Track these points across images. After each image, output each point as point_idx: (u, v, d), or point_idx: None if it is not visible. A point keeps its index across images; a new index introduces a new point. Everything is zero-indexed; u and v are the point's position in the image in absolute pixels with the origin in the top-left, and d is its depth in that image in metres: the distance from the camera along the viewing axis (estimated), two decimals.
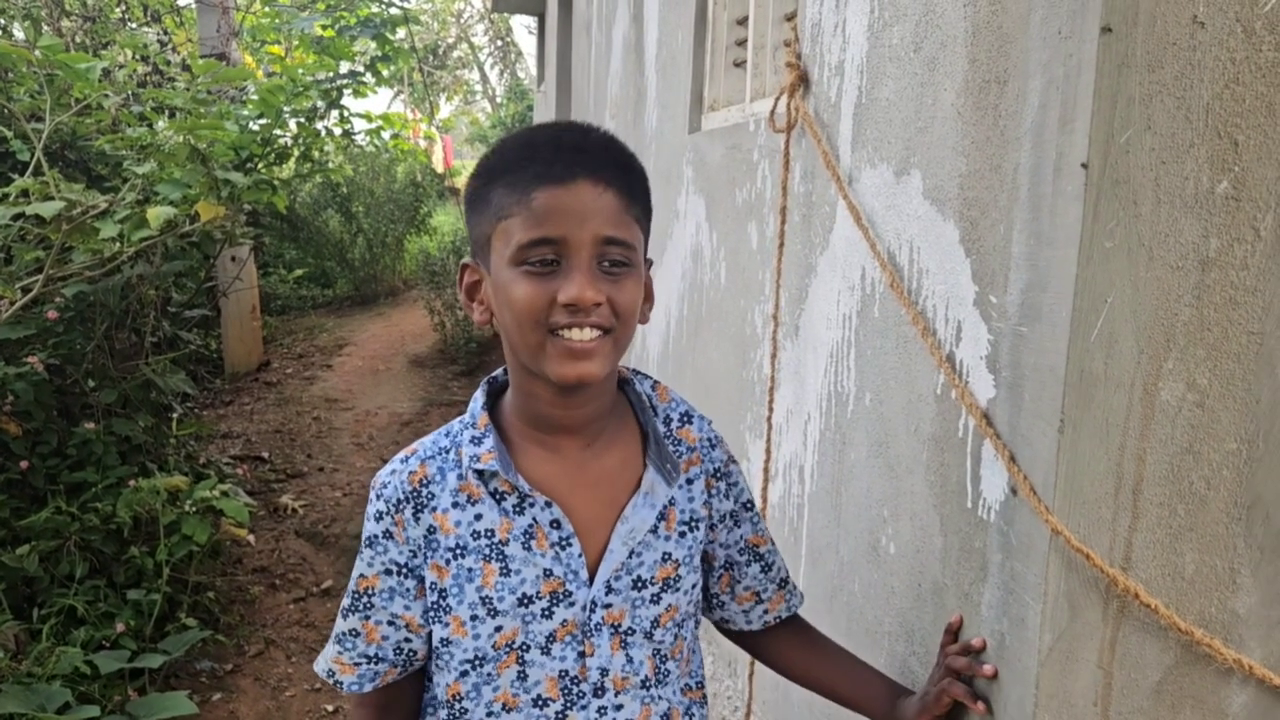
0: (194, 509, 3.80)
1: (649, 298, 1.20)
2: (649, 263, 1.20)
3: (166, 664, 3.35)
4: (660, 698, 1.23)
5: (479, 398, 1.21)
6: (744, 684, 2.40)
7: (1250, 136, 1.05)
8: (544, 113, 11.84)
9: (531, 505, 1.15)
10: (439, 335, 8.48)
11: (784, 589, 1.37)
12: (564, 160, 1.07)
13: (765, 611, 1.37)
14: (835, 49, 1.83)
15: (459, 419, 1.22)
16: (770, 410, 2.13)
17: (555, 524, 1.15)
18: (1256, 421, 1.10)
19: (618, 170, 1.10)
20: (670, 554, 1.21)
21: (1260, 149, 1.05)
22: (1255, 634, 1.15)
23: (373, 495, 1.20)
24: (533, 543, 1.15)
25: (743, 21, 2.91)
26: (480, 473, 1.16)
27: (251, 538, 4.34)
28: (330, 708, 3.50)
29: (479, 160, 1.16)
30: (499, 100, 24.39)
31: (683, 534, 1.23)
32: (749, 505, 1.33)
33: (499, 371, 1.25)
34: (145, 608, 3.50)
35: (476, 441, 1.16)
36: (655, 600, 1.20)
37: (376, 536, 1.18)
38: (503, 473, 1.14)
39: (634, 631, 1.20)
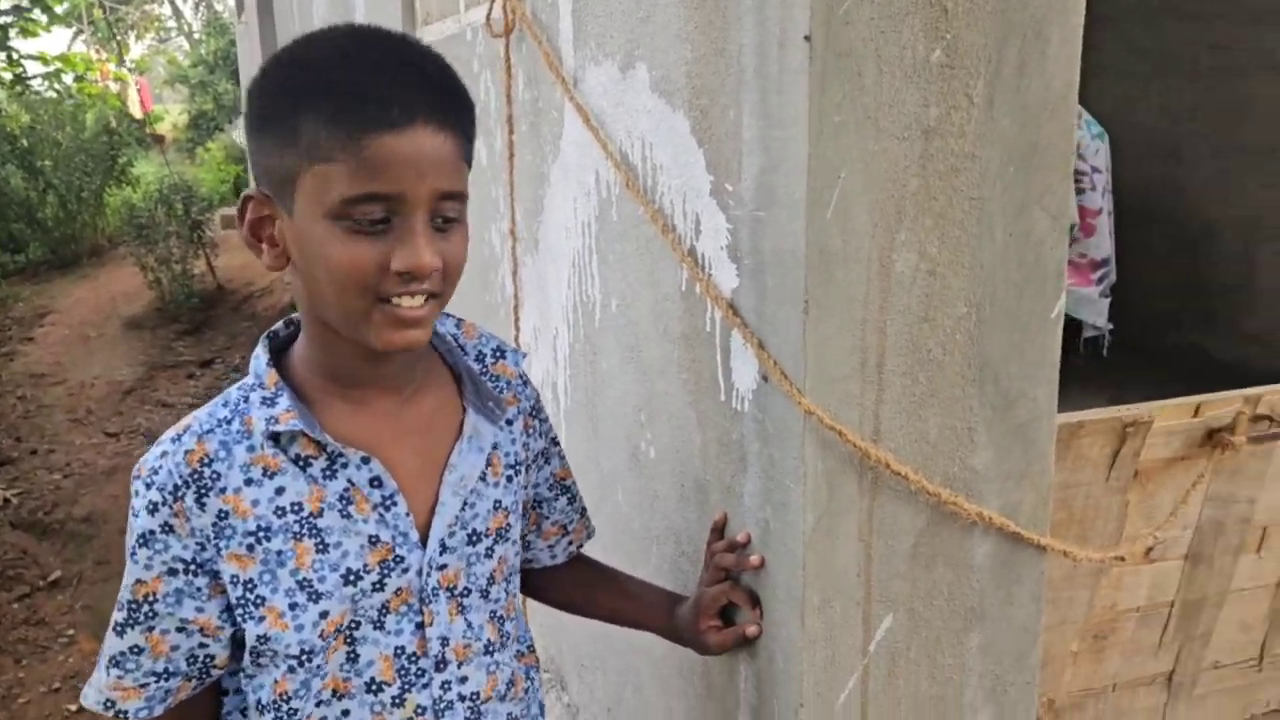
0: None
1: None
2: None
3: None
4: (503, 664, 1.13)
5: (261, 355, 1.03)
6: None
7: (958, 3, 1.06)
8: (247, 47, 11.05)
9: (344, 466, 1.00)
10: (155, 294, 7.85)
11: (584, 517, 1.32)
12: (403, 99, 0.89)
13: (570, 543, 1.31)
14: None
15: (236, 385, 1.04)
16: (517, 330, 2.07)
17: (376, 482, 1.01)
18: (982, 286, 1.14)
19: (456, 107, 0.95)
20: (500, 501, 1.11)
21: (968, 15, 1.07)
22: (992, 488, 1.21)
23: (139, 486, 0.99)
24: (351, 508, 1.00)
25: None
26: (276, 439, 0.99)
27: None
28: (73, 708, 3.19)
29: (269, 70, 0.94)
30: (197, 37, 22.55)
31: (509, 479, 1.13)
32: (555, 439, 1.26)
33: (279, 325, 1.08)
34: None
35: (269, 403, 0.99)
36: (489, 554, 1.10)
37: (153, 532, 0.98)
38: (307, 430, 0.97)
39: (469, 592, 1.08)
